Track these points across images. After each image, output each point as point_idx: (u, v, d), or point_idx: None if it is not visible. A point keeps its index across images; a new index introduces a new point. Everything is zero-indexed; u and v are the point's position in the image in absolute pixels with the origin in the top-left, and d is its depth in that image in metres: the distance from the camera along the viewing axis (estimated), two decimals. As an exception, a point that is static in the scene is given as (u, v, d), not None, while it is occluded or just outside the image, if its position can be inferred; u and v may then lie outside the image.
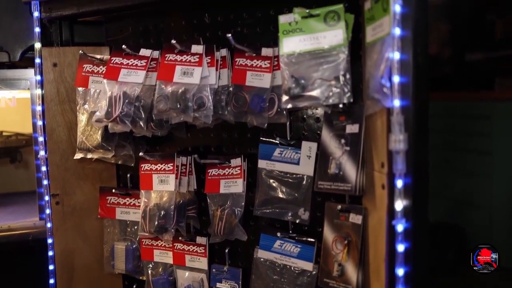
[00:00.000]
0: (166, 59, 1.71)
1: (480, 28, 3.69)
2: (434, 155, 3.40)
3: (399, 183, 1.33)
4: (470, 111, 3.47)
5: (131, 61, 1.76)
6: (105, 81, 1.77)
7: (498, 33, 3.69)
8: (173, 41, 1.68)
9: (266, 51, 1.64)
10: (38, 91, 1.98)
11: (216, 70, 1.69)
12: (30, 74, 2.13)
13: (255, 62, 1.65)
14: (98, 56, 1.90)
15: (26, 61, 2.22)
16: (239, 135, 1.83)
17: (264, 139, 1.73)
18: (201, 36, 1.83)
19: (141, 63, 1.75)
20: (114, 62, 1.78)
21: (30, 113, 2.17)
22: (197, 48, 1.68)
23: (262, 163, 1.72)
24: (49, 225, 2.00)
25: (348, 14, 1.52)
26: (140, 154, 1.82)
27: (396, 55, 1.32)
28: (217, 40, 1.80)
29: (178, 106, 1.65)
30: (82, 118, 1.89)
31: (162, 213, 1.77)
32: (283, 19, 1.56)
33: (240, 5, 1.77)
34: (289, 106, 1.53)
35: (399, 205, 1.34)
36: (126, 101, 1.71)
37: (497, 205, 3.15)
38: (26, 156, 2.64)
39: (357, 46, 1.56)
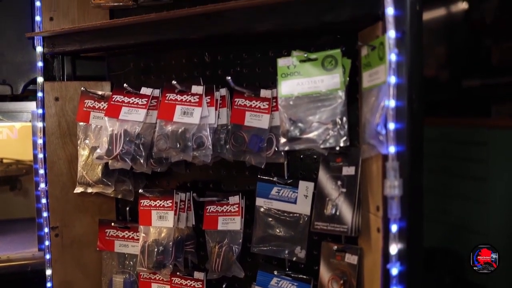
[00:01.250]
0: (167, 98, 1.75)
1: (476, 54, 3.73)
2: (432, 180, 3.43)
3: (394, 228, 1.36)
4: (467, 137, 3.50)
5: (132, 100, 1.79)
6: (106, 118, 1.80)
7: (494, 60, 3.73)
8: (174, 82, 1.71)
9: (264, 93, 1.68)
10: (40, 124, 2.01)
11: (216, 109, 1.73)
12: (32, 107, 2.16)
13: (254, 103, 1.69)
14: (100, 92, 1.93)
15: (28, 93, 2.25)
16: (238, 173, 1.86)
17: (262, 177, 1.76)
18: (201, 74, 1.87)
19: (142, 101, 1.78)
20: (116, 100, 1.81)
21: (31, 142, 2.19)
22: (197, 89, 1.71)
23: (259, 201, 1.75)
24: (48, 256, 2.02)
25: (345, 58, 1.56)
26: (140, 191, 1.84)
27: (392, 103, 1.36)
28: (217, 78, 1.84)
29: (178, 145, 1.68)
30: (83, 153, 1.92)
31: (161, 249, 1.79)
32: (281, 62, 1.59)
33: (240, 46, 1.81)
34: (287, 148, 1.56)
35: (393, 249, 1.36)
36: (127, 139, 1.74)
37: (494, 231, 3.16)
38: (26, 184, 2.66)
39: (354, 89, 1.60)
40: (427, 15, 3.73)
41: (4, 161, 2.64)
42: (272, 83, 1.75)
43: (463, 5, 3.55)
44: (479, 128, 3.46)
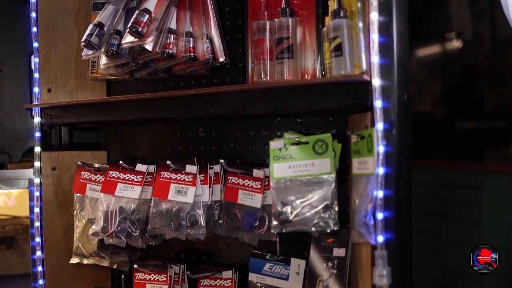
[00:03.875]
0: (161, 176, 1.78)
1: (470, 97, 3.77)
2: (426, 223, 3.45)
3: (383, 314, 1.39)
4: (461, 181, 3.53)
5: (128, 176, 1.83)
6: (102, 194, 1.83)
7: (487, 104, 3.77)
8: (168, 162, 1.75)
9: (257, 173, 1.71)
10: (37, 193, 2.04)
11: (209, 187, 1.76)
12: (29, 174, 2.19)
13: (246, 182, 1.72)
14: (96, 165, 1.96)
15: (26, 159, 2.28)
16: (232, 245, 1.88)
17: (255, 251, 1.79)
18: (196, 148, 1.91)
19: (137, 178, 1.82)
20: (111, 176, 1.84)
21: (28, 209, 2.22)
22: (191, 168, 1.75)
23: (252, 276, 1.78)
24: (43, 323, 2.03)
25: (335, 142, 1.60)
26: (134, 266, 1.87)
27: (380, 193, 1.39)
28: (211, 153, 1.88)
29: (172, 224, 1.72)
30: (79, 225, 1.94)
31: (155, 323, 1.81)
32: (273, 144, 1.64)
33: (234, 123, 1.85)
34: (278, 231, 1.60)
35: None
36: (122, 216, 1.77)
37: (488, 275, 3.17)
38: (22, 243, 2.68)
39: (344, 171, 1.63)
40: (423, 52, 3.80)
41: (1, 217, 2.67)
42: (265, 160, 1.79)
43: (458, 44, 3.61)
44: (473, 172, 3.49)
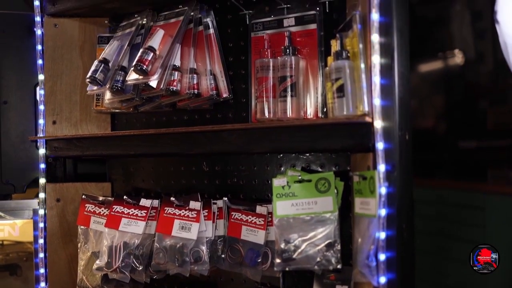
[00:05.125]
0: (165, 212, 1.80)
1: (472, 115, 3.78)
2: (429, 242, 3.45)
3: None
4: (463, 201, 3.52)
5: (132, 211, 1.84)
6: (106, 229, 1.85)
7: (490, 123, 3.78)
8: (172, 198, 1.77)
9: (260, 209, 1.72)
10: (41, 224, 2.05)
11: (213, 222, 1.77)
12: (33, 204, 2.21)
13: (250, 218, 1.74)
14: (100, 198, 1.98)
15: (30, 190, 2.30)
16: (235, 279, 1.89)
17: (258, 287, 1.79)
18: (200, 182, 1.93)
19: (141, 213, 1.83)
20: (116, 211, 1.86)
21: (32, 237, 2.23)
22: (195, 204, 1.76)
23: (256, 312, 1.79)
24: None
25: (338, 180, 1.61)
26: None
27: (382, 235, 1.40)
28: (215, 187, 1.89)
29: (176, 260, 1.73)
30: (83, 257, 1.96)
31: None
32: (276, 182, 1.65)
33: (237, 158, 1.87)
34: (281, 268, 1.60)
35: None
36: (126, 251, 1.78)
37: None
38: (26, 271, 2.69)
39: (347, 208, 1.65)
40: (425, 68, 3.81)
41: (5, 242, 2.68)
42: (268, 196, 1.80)
43: (460, 63, 3.62)
44: (475, 192, 3.49)
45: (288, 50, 1.67)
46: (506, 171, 3.49)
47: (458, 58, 3.70)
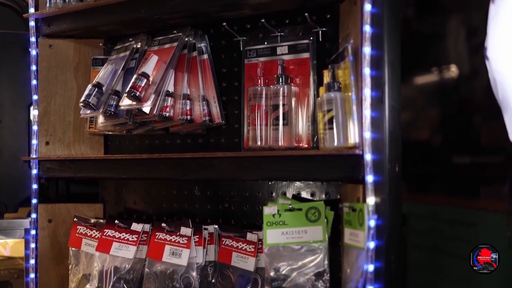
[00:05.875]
0: (156, 237, 1.80)
1: (466, 131, 3.79)
2: (422, 257, 3.46)
3: None
4: (456, 217, 3.53)
5: (123, 235, 1.85)
6: (97, 253, 1.85)
7: (483, 139, 3.79)
8: (164, 224, 1.78)
9: (251, 236, 1.73)
10: (33, 245, 2.05)
11: (204, 248, 1.78)
12: (25, 224, 2.20)
13: (240, 245, 1.74)
14: (92, 221, 1.98)
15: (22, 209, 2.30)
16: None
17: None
18: (190, 206, 1.93)
19: (132, 238, 1.84)
20: (107, 235, 1.86)
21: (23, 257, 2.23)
22: (186, 231, 1.77)
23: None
24: None
25: (328, 210, 1.62)
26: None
27: (370, 267, 1.41)
28: (206, 212, 1.90)
29: (166, 286, 1.73)
30: (74, 279, 1.96)
31: None
32: (267, 210, 1.66)
33: (229, 184, 1.88)
34: (271, 298, 1.61)
35: None
36: (117, 276, 1.79)
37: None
38: (17, 288, 2.69)
39: (337, 236, 1.65)
40: (421, 80, 3.82)
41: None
42: (258, 222, 1.81)
43: (454, 77, 3.64)
44: (468, 209, 3.50)
45: (281, 79, 1.68)
46: (498, 188, 3.50)
47: (453, 73, 3.73)
